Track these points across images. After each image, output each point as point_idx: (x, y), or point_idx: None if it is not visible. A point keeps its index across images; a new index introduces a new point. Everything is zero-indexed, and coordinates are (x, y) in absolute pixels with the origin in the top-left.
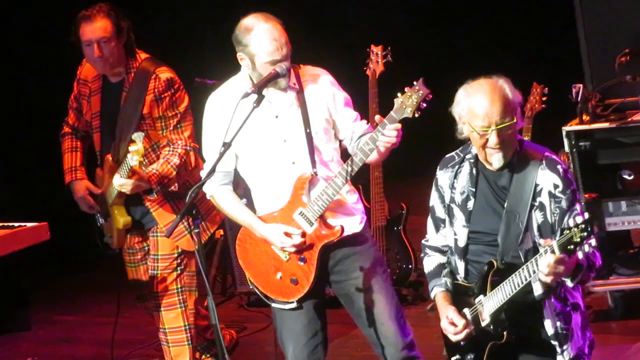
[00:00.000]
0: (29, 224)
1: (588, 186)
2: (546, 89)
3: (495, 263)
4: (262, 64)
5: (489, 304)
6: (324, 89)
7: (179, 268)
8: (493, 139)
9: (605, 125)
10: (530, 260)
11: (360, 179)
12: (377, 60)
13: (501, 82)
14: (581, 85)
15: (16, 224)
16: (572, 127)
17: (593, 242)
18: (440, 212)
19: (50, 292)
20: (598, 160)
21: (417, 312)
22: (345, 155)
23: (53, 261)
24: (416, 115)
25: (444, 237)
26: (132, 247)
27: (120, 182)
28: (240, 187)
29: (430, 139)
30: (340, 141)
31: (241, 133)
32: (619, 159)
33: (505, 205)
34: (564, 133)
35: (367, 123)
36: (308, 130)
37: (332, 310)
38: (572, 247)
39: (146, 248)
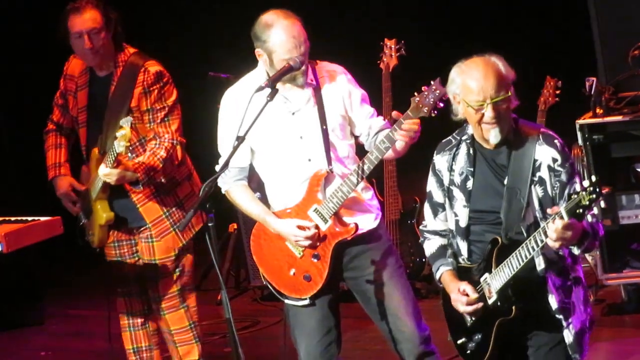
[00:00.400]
0: (42, 218)
1: (601, 179)
2: (559, 82)
3: (499, 239)
4: (280, 61)
5: (496, 280)
6: (340, 86)
7: (177, 270)
8: (489, 113)
9: (619, 118)
10: (535, 232)
11: (374, 173)
12: (390, 53)
13: (494, 59)
14: (594, 79)
15: (30, 218)
16: (586, 120)
17: (602, 204)
18: (439, 197)
19: (63, 286)
20: (611, 153)
21: (431, 305)
22: (360, 151)
23: (65, 256)
24: (433, 114)
25: (442, 221)
26: (119, 239)
27: (106, 172)
28: (253, 180)
29: (445, 133)
30: (356, 137)
31: (257, 129)
32: (632, 152)
33: (506, 182)
34: (577, 126)
35: (384, 119)
36: (324, 127)
37: (346, 304)
38: (580, 210)
39: (133, 242)
